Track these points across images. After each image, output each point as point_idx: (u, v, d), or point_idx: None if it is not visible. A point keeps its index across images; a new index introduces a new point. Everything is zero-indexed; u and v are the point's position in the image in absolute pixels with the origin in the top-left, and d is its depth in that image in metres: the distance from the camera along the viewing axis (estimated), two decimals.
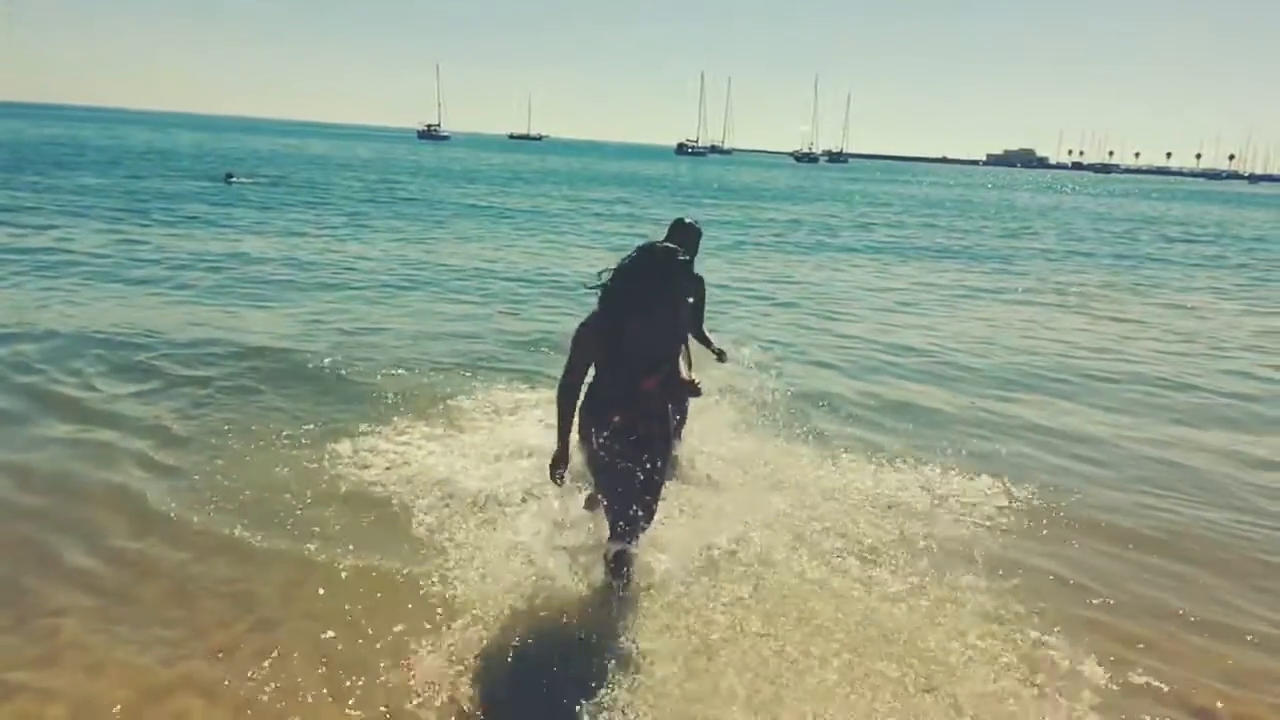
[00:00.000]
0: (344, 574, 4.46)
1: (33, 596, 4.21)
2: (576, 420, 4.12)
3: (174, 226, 18.68)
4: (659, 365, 4.08)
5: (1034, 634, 4.15)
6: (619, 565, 4.20)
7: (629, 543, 4.16)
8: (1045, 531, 5.44)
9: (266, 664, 3.71)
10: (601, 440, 4.06)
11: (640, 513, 4.14)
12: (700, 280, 5.72)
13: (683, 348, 4.34)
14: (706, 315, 5.98)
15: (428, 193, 34.19)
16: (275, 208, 24.22)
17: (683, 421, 5.83)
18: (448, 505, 5.20)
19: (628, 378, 4.04)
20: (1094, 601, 4.63)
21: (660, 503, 4.28)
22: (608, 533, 4.22)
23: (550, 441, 5.79)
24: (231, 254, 15.30)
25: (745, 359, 6.56)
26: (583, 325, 4.01)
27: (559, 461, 4.09)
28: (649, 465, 4.11)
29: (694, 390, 4.12)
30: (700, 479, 5.66)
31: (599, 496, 4.30)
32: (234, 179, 31.86)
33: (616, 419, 4.05)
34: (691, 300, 5.31)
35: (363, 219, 22.82)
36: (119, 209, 21.20)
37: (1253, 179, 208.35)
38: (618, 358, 4.00)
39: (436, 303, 12.07)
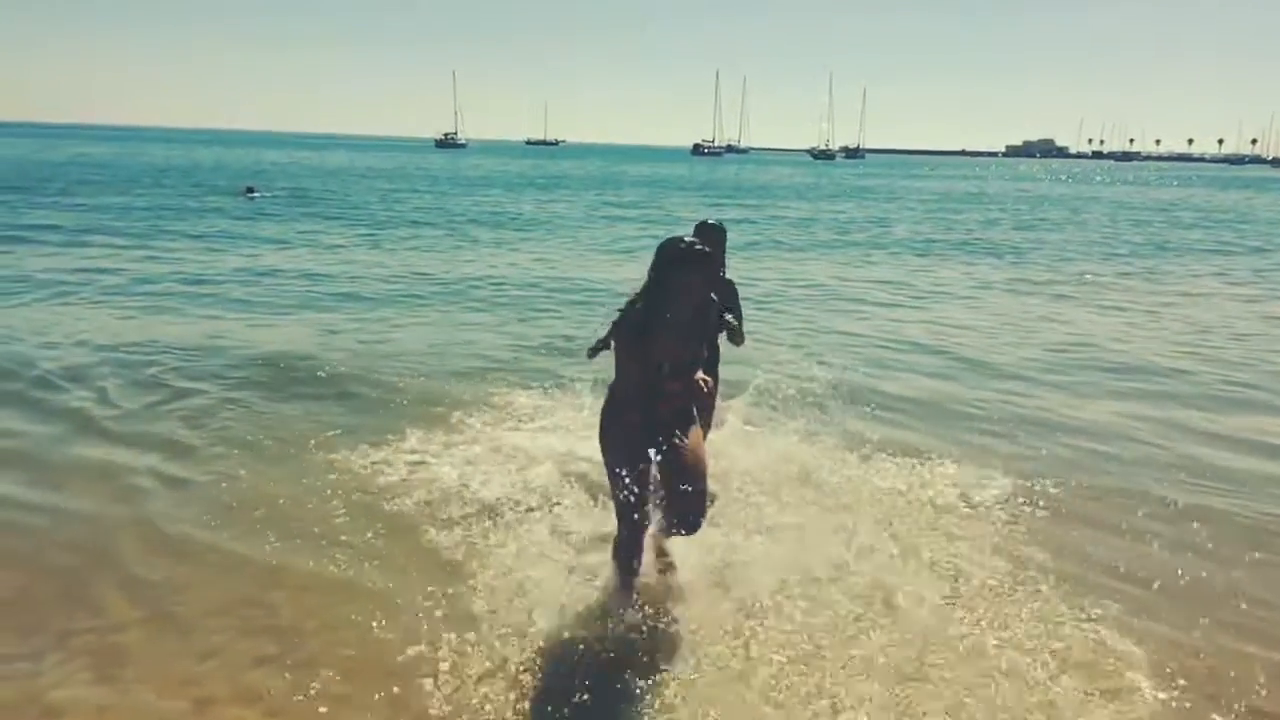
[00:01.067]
0: (370, 585, 4.50)
1: (76, 613, 4.26)
2: (599, 421, 4.13)
3: (196, 241, 18.98)
4: (683, 367, 4.00)
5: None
6: (627, 555, 4.17)
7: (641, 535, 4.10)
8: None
9: (298, 676, 3.77)
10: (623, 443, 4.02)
11: (683, 502, 4.02)
12: (731, 286, 5.56)
13: (709, 353, 4.23)
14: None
15: (443, 202, 34.44)
16: (295, 220, 24.54)
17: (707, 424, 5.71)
18: (467, 515, 5.25)
19: (652, 379, 3.98)
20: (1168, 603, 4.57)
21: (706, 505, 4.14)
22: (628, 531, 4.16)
23: (567, 446, 5.94)
24: (252, 268, 15.57)
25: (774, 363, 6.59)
26: (619, 320, 4.00)
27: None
28: (679, 450, 4.03)
29: (698, 390, 3.96)
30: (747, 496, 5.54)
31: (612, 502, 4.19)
32: (254, 193, 32.28)
33: (639, 421, 4.01)
34: (727, 312, 5.15)
35: (379, 229, 23.10)
36: (141, 225, 21.59)
37: (1276, 163, 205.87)
38: (643, 359, 3.94)
39: (452, 311, 12.23)
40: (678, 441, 4.07)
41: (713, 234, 5.41)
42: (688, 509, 4.06)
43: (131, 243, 18.46)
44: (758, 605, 4.24)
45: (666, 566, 4.49)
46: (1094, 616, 4.29)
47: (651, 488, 4.16)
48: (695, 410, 4.34)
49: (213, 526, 5.18)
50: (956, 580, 4.60)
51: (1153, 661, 3.97)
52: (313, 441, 6.50)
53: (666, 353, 3.96)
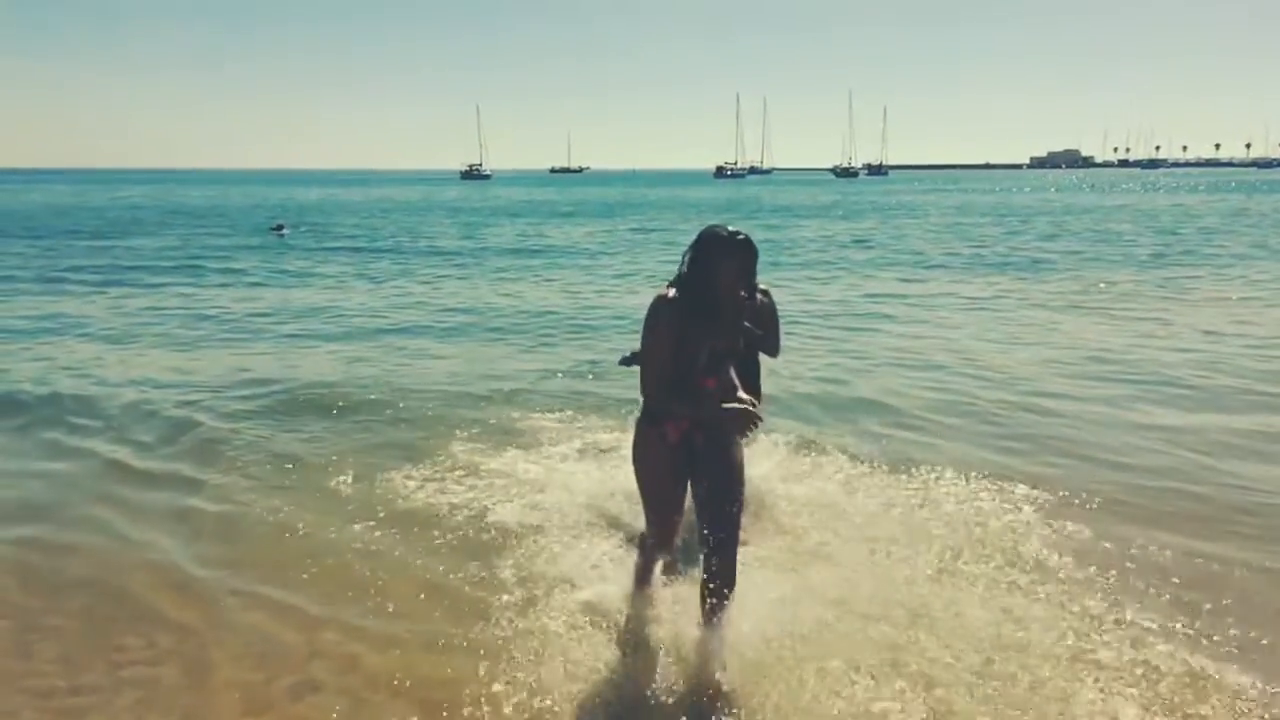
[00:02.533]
0: (388, 623, 4.54)
1: (116, 640, 4.42)
2: (632, 438, 3.96)
3: (224, 279, 19.50)
4: (720, 361, 3.81)
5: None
6: (644, 575, 4.20)
7: (713, 588, 3.78)
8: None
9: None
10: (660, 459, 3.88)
11: (719, 529, 3.78)
12: (767, 295, 5.23)
13: (748, 363, 4.04)
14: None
15: (468, 233, 34.96)
16: (321, 255, 25.12)
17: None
18: (496, 536, 5.37)
19: (685, 376, 3.76)
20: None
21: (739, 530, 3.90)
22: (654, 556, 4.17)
23: (598, 472, 6.05)
24: (278, 303, 16.00)
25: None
26: (652, 309, 3.74)
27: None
28: (717, 479, 3.84)
29: (746, 415, 3.63)
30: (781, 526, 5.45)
31: (650, 520, 4.07)
32: (283, 230, 32.97)
33: (675, 435, 3.83)
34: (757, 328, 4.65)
35: (404, 263, 23.56)
36: (171, 265, 22.20)
37: None
38: (677, 351, 3.72)
39: (476, 340, 12.51)
40: (715, 469, 3.84)
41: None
42: (720, 571, 3.78)
43: (161, 281, 19.01)
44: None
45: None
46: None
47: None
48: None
49: (229, 562, 5.25)
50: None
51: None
52: (343, 467, 6.70)
53: (702, 342, 3.73)
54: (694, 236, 3.79)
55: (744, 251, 3.70)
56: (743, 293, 3.74)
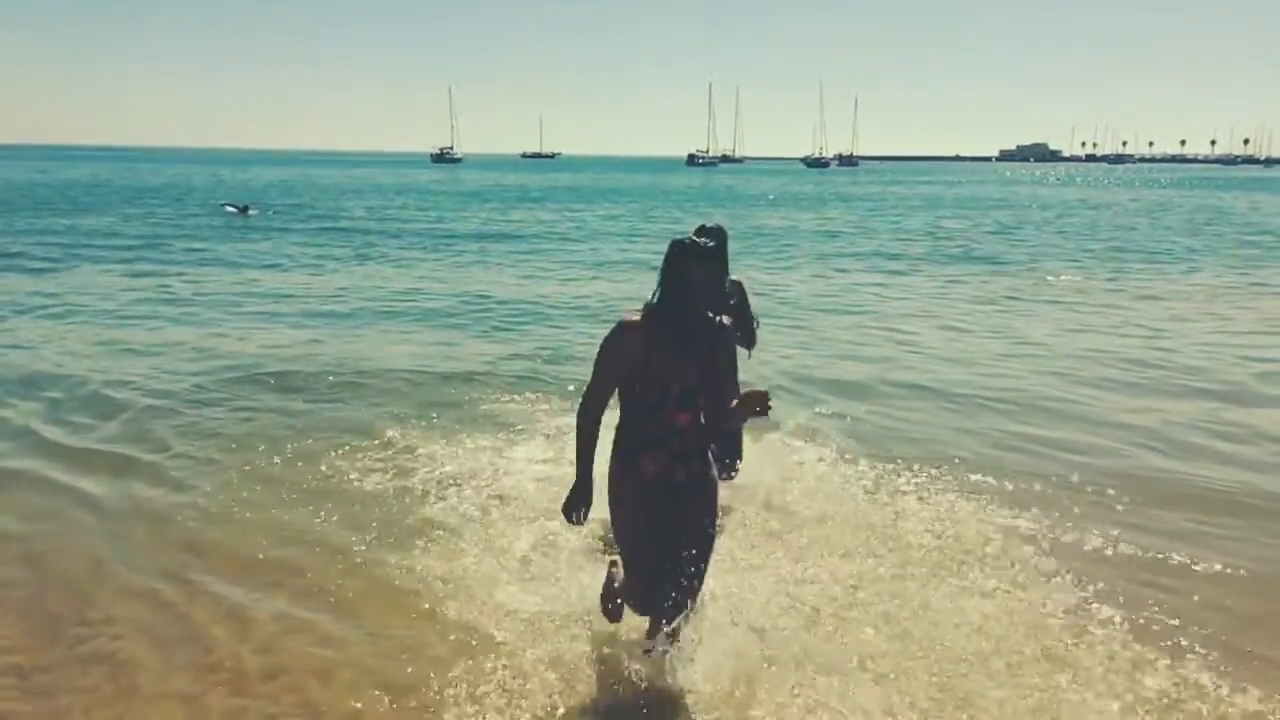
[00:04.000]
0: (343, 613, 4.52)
1: (41, 625, 4.41)
2: (607, 472, 3.71)
3: (186, 258, 19.42)
4: (693, 395, 3.58)
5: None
6: (653, 638, 3.77)
7: (663, 622, 3.68)
8: None
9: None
10: (632, 500, 3.67)
11: (674, 590, 3.62)
12: (739, 286, 5.27)
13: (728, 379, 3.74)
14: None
15: (435, 217, 34.88)
16: (287, 237, 25.04)
17: (733, 464, 5.50)
18: (444, 523, 5.40)
19: (656, 409, 3.58)
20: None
21: (706, 568, 3.74)
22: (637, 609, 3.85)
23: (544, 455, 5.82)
24: (239, 283, 16.03)
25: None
26: (610, 333, 3.59)
27: (577, 500, 3.62)
28: (687, 522, 3.66)
29: (760, 402, 3.39)
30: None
31: (623, 571, 3.85)
32: (249, 210, 32.78)
33: (651, 469, 3.63)
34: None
35: (368, 246, 23.54)
36: (132, 244, 22.08)
37: (1267, 163, 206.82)
38: (645, 382, 3.54)
39: (435, 328, 12.61)
40: (694, 510, 3.69)
41: (713, 237, 4.97)
42: (660, 603, 3.67)
43: (121, 261, 18.93)
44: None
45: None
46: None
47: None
48: (720, 454, 4.15)
49: (157, 548, 5.25)
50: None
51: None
52: (276, 451, 6.74)
53: (673, 374, 3.54)
54: (665, 253, 3.57)
55: (711, 258, 3.56)
56: (709, 313, 3.57)
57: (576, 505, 3.62)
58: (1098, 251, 23.68)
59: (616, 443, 3.71)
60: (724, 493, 4.22)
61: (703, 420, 3.62)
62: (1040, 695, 3.74)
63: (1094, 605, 4.52)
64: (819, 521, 5.46)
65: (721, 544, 4.22)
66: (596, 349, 3.61)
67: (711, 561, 3.77)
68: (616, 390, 3.63)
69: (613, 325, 3.58)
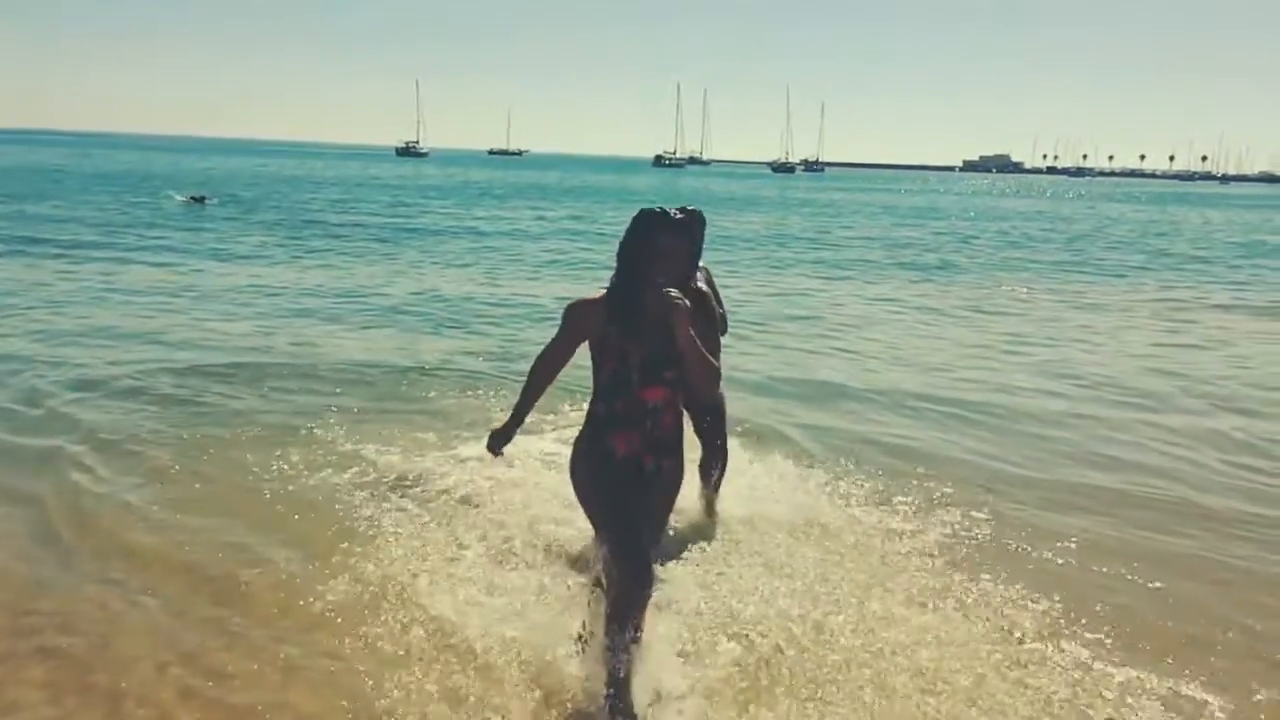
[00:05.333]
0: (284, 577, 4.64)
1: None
2: (571, 453, 3.61)
3: (134, 249, 19.15)
4: (658, 366, 3.43)
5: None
6: (621, 623, 3.35)
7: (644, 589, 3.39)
8: None
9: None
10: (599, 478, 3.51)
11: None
12: (706, 272, 4.98)
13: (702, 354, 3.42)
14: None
15: (396, 212, 34.64)
16: (240, 228, 24.70)
17: (722, 472, 5.40)
18: (390, 523, 5.31)
19: (622, 383, 3.44)
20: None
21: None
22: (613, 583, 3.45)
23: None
24: (185, 276, 15.84)
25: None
26: (568, 305, 3.55)
27: (499, 433, 3.61)
28: (649, 507, 3.55)
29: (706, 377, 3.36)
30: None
31: (601, 543, 3.54)
32: (204, 200, 32.32)
33: (622, 448, 3.46)
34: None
35: (326, 240, 23.33)
36: (82, 233, 21.71)
37: (1224, 179, 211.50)
38: (605, 352, 3.44)
39: (388, 324, 12.52)
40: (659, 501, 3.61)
41: (690, 217, 4.82)
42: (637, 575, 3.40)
43: (67, 251, 18.53)
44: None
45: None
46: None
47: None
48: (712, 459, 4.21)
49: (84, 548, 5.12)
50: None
51: None
52: (235, 441, 6.72)
53: (636, 348, 3.41)
54: (633, 218, 3.53)
55: (686, 229, 3.45)
56: (669, 287, 3.30)
57: (497, 437, 3.62)
58: (1044, 263, 24.08)
59: (585, 423, 3.59)
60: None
61: (678, 402, 3.52)
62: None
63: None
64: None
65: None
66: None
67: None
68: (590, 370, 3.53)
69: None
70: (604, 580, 3.52)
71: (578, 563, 4.62)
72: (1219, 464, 7.18)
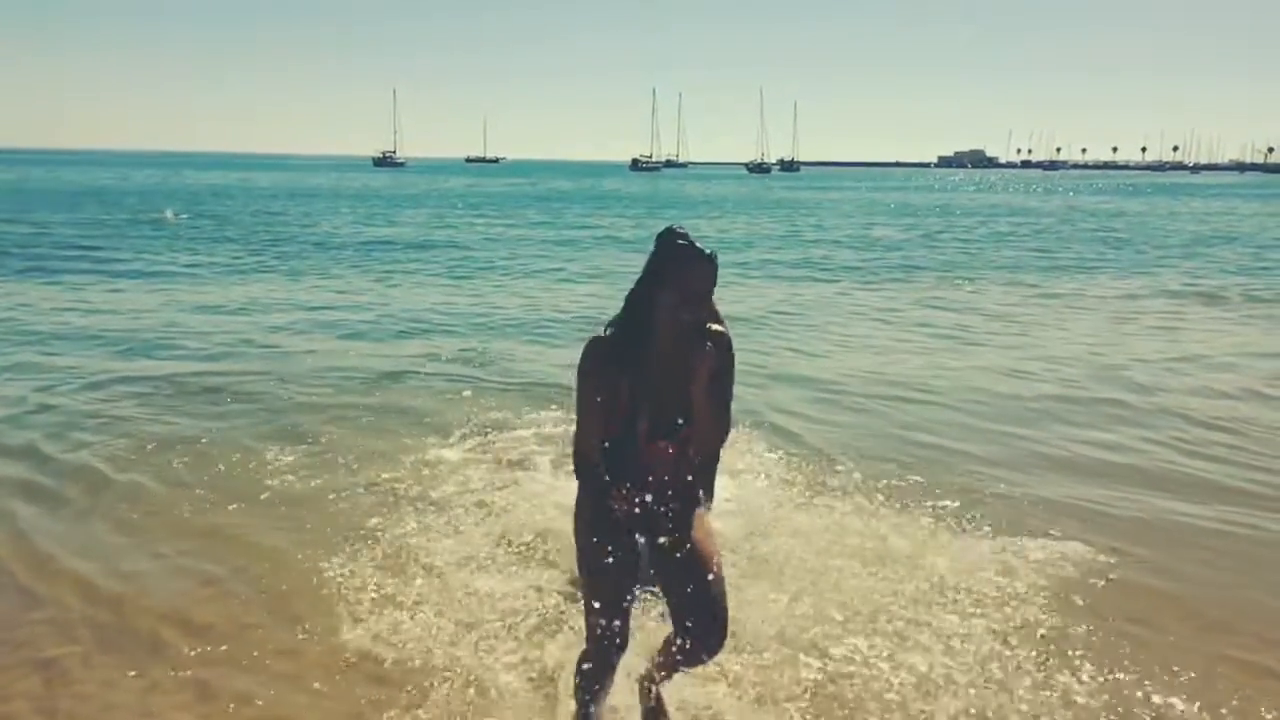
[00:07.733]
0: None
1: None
2: (575, 500, 3.23)
3: (99, 266, 19.02)
4: (674, 422, 3.06)
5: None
6: (594, 687, 3.25)
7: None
8: None
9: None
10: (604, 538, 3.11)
11: (701, 618, 3.09)
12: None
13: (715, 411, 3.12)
14: None
15: (371, 224, 34.45)
16: (209, 244, 24.58)
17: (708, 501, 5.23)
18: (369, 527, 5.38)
19: (631, 434, 3.05)
20: None
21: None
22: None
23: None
24: (159, 298, 15.78)
25: None
26: (584, 352, 3.06)
27: (602, 500, 3.11)
28: (687, 563, 3.13)
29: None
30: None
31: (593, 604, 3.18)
32: (174, 216, 32.22)
33: (624, 507, 3.07)
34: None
35: (298, 253, 23.27)
36: (43, 255, 21.46)
37: (1195, 169, 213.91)
38: (624, 403, 3.03)
39: (358, 338, 12.43)
40: (679, 539, 3.13)
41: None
42: (708, 629, 3.08)
43: (25, 270, 18.34)
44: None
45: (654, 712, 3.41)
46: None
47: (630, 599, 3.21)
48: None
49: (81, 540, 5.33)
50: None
51: None
52: (179, 455, 6.77)
53: (646, 395, 3.03)
54: (656, 238, 3.05)
55: (692, 257, 2.96)
56: (688, 318, 2.98)
57: (609, 500, 3.09)
58: (1015, 258, 24.34)
59: (579, 476, 3.21)
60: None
61: (692, 455, 3.13)
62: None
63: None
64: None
65: None
66: (576, 378, 3.06)
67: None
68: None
69: (585, 342, 3.07)
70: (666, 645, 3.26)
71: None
72: (1169, 440, 7.59)
